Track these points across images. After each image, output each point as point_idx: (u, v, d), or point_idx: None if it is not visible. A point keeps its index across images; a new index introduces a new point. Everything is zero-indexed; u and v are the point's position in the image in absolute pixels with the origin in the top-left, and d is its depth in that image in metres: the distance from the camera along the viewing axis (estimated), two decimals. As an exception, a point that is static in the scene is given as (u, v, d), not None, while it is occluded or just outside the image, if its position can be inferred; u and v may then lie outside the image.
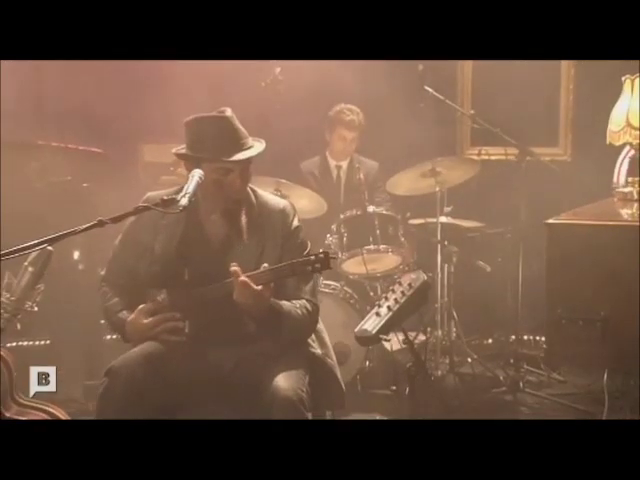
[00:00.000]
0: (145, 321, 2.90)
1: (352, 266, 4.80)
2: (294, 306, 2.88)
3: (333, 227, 4.93)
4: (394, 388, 4.78)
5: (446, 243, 4.99)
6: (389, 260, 4.90)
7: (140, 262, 2.99)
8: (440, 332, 4.93)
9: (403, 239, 4.88)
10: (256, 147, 2.94)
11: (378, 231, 4.78)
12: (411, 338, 3.46)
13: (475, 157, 5.26)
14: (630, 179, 3.66)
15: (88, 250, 4.23)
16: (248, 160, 2.92)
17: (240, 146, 2.89)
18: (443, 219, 4.98)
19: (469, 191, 5.20)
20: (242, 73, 4.90)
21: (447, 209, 5.04)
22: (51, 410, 2.94)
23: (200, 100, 5.15)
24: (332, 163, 5.42)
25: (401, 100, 5.40)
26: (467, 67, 6.00)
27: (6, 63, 4.60)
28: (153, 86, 5.63)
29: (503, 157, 5.16)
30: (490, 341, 5.69)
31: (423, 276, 2.99)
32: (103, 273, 3.15)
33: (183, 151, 2.92)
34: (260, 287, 2.70)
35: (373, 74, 5.45)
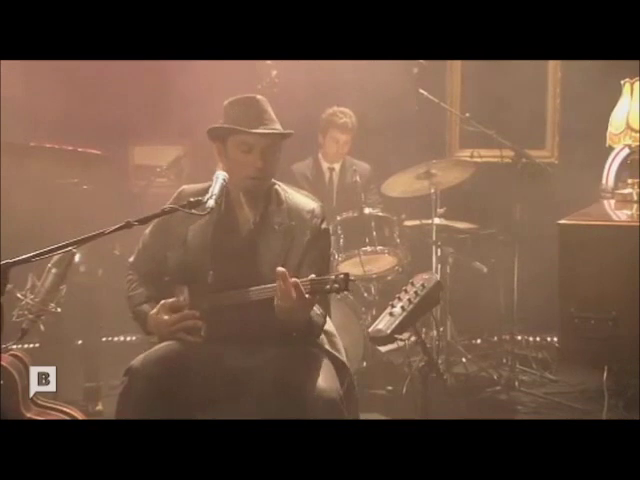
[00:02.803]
0: (165, 318, 2.88)
1: (349, 267, 4.82)
2: (315, 313, 2.88)
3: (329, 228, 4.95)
4: (390, 388, 4.84)
5: (439, 244, 5.03)
6: (385, 261, 4.94)
7: (170, 252, 2.98)
8: (435, 332, 4.97)
9: (399, 240, 4.92)
10: (281, 129, 2.94)
11: (374, 232, 4.82)
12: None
13: (468, 159, 5.30)
14: (630, 180, 3.73)
15: (90, 252, 4.21)
16: (271, 140, 2.90)
17: (265, 123, 2.89)
18: (437, 220, 5.02)
19: (462, 193, 5.25)
20: (238, 75, 4.91)
21: (440, 210, 5.08)
22: (68, 410, 2.94)
23: (195, 102, 5.17)
24: (324, 165, 5.43)
25: (395, 103, 5.45)
26: (455, 70, 6.04)
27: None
28: (147, 88, 5.65)
29: (496, 159, 5.20)
30: (479, 341, 5.75)
31: (436, 277, 3.01)
32: (131, 260, 3.13)
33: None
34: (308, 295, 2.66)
35: (367, 77, 5.50)
